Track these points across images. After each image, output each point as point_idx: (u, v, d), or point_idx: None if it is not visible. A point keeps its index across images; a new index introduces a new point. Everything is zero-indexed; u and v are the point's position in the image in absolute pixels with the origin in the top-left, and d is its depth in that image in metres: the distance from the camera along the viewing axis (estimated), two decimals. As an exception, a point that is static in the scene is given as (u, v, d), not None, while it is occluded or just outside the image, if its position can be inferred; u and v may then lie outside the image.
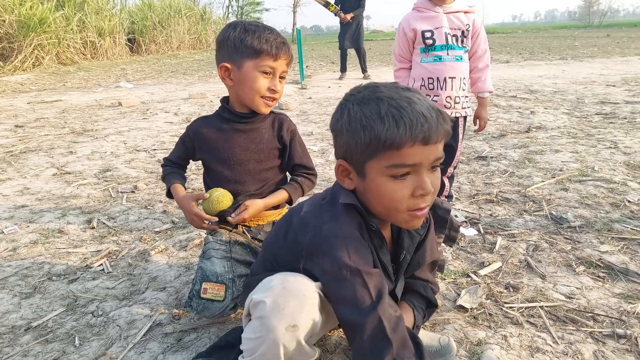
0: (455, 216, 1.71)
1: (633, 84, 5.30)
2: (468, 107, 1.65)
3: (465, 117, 1.66)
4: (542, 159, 2.54)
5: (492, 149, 2.83)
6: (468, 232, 1.66)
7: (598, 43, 15.30)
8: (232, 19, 29.69)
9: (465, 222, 1.73)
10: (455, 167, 1.77)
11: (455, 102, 1.59)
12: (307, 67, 10.78)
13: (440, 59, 1.55)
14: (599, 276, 1.39)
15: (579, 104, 4.24)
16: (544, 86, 5.33)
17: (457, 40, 1.55)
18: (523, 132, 3.21)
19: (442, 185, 1.69)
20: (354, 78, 7.17)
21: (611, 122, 3.43)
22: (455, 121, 1.64)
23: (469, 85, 1.65)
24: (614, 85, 5.25)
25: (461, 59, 1.57)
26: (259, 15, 31.55)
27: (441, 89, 1.57)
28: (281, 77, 1.18)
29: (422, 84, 1.60)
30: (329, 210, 0.84)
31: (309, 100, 5.17)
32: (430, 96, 1.59)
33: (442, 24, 1.55)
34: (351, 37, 7.06)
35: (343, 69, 7.28)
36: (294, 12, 31.33)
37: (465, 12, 1.57)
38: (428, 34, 1.55)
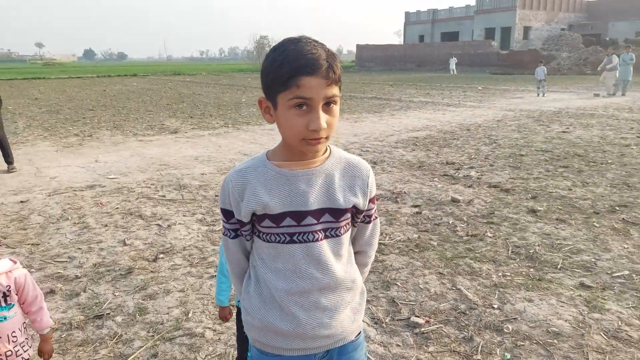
0: None
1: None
2: (27, 350, 1.79)
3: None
4: (152, 307, 2.93)
5: (115, 295, 3.05)
6: None
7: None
8: None
9: None
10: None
11: (6, 356, 1.70)
12: None
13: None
14: None
15: (215, 204, 5.02)
16: (193, 178, 6.05)
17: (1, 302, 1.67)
18: (151, 260, 3.59)
19: None
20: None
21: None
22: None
23: (23, 334, 1.78)
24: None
25: (5, 318, 1.69)
26: None
27: None
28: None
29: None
30: None
31: None
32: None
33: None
34: None
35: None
36: None
37: (7, 273, 1.69)
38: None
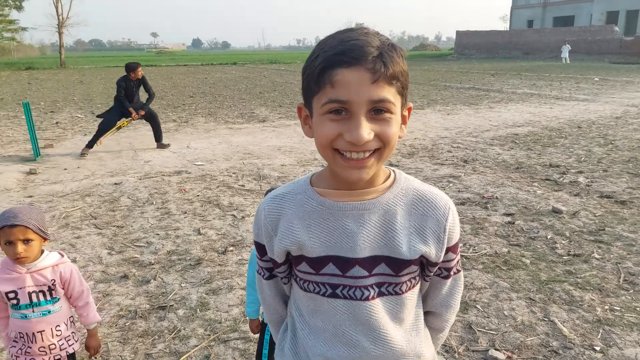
0: None
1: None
2: (73, 344, 1.78)
3: (73, 354, 1.79)
4: (214, 303, 2.88)
5: (182, 287, 3.07)
6: None
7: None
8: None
9: None
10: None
11: (50, 350, 1.70)
12: (57, 123, 9.72)
13: (25, 316, 1.65)
14: None
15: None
16: (273, 169, 6.04)
17: (44, 296, 1.66)
18: (220, 253, 3.58)
19: None
20: (99, 155, 6.78)
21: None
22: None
23: (69, 328, 1.77)
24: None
25: (49, 312, 1.69)
26: (12, 34, 27.05)
27: (31, 342, 1.66)
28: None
29: (15, 336, 1.67)
30: None
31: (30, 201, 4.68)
32: (23, 348, 1.67)
33: (25, 284, 1.64)
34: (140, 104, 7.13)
35: (92, 143, 6.81)
36: (60, 33, 27.86)
37: (53, 267, 1.69)
38: (12, 295, 1.62)
